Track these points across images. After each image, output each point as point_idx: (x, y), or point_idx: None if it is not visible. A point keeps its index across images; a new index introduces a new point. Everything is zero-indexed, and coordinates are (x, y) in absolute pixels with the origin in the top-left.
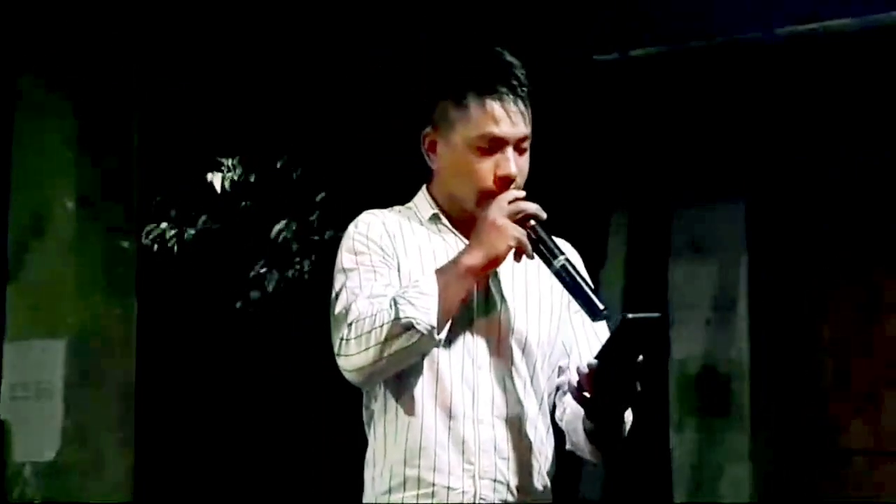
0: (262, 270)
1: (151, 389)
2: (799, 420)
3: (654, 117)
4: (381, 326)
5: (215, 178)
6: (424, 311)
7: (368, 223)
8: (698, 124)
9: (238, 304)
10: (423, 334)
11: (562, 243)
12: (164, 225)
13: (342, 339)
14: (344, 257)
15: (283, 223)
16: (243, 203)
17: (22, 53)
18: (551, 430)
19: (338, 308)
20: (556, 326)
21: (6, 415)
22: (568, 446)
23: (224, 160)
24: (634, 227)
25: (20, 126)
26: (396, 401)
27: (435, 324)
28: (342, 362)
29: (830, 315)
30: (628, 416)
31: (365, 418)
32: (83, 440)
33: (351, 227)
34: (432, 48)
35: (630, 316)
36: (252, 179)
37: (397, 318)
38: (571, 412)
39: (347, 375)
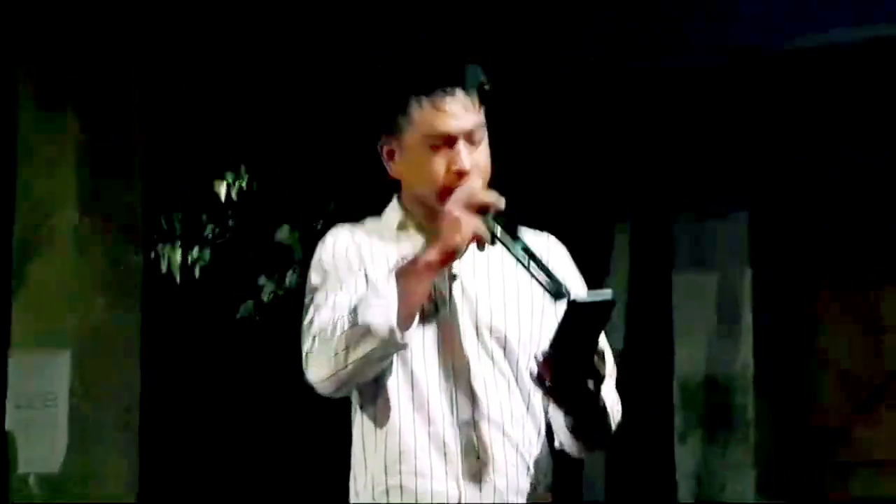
0: (262, 282)
1: (156, 399)
2: (802, 431)
3: (656, 129)
4: (342, 334)
5: (221, 187)
6: (383, 313)
7: (335, 237)
8: (701, 136)
9: (245, 311)
10: (383, 337)
11: (549, 239)
12: (178, 249)
13: (307, 352)
14: (312, 275)
15: (286, 230)
16: (253, 212)
17: (24, 59)
18: (543, 428)
19: (304, 323)
20: (540, 322)
21: (11, 425)
22: (557, 444)
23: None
24: (637, 240)
25: (24, 135)
26: (374, 410)
27: (395, 325)
28: (309, 375)
29: (834, 326)
30: (615, 409)
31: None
32: (87, 450)
33: (319, 245)
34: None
35: (578, 300)
36: (255, 187)
37: (355, 324)
38: (555, 407)
39: (317, 388)
